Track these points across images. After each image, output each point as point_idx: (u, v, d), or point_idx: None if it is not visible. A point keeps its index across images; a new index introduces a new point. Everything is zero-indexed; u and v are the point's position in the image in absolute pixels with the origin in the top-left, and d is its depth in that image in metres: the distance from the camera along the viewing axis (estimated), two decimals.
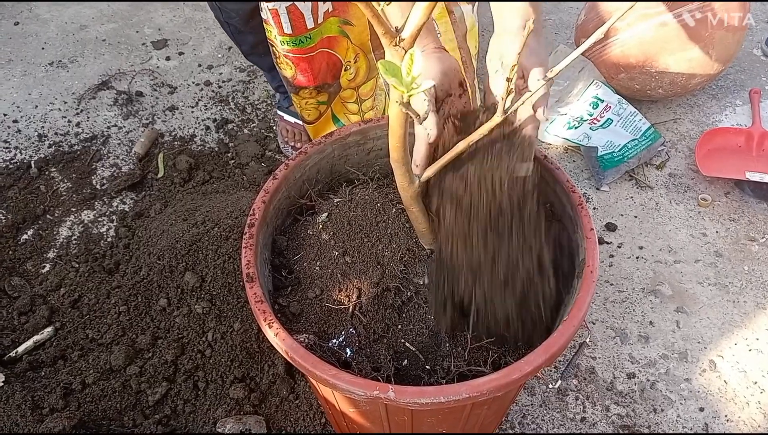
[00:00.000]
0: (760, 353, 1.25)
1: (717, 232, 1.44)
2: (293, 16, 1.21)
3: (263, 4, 1.20)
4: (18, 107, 1.76)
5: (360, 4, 0.56)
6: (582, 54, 1.61)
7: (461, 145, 0.76)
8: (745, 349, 1.26)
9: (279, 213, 0.97)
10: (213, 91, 1.81)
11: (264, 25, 1.27)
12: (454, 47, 1.41)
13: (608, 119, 1.58)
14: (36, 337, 1.23)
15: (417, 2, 0.60)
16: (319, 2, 1.19)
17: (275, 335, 0.77)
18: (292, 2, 1.16)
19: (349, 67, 1.33)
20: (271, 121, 1.72)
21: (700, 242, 1.43)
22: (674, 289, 1.35)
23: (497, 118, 0.74)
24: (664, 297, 1.34)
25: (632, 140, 1.55)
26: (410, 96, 0.48)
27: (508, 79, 0.70)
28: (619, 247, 1.43)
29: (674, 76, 1.52)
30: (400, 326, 0.86)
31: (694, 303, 1.33)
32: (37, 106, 1.76)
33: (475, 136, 0.77)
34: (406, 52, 0.60)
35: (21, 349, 1.21)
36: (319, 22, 1.23)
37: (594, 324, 1.29)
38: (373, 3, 0.57)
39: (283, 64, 1.32)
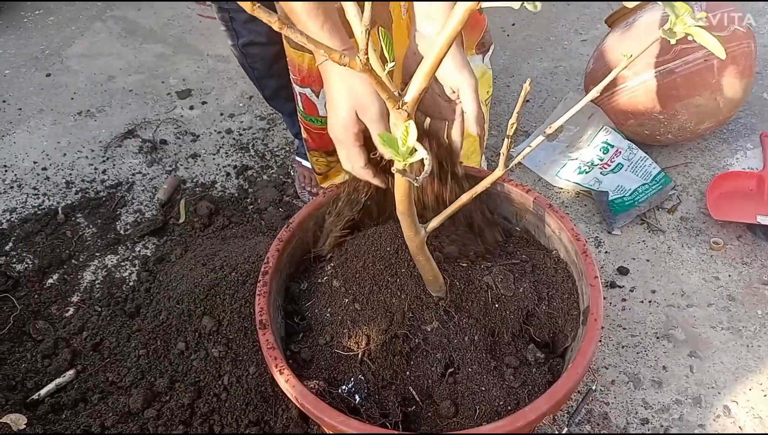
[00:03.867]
0: None
1: (730, 275, 1.44)
2: (305, 100, 1.26)
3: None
4: (47, 155, 1.84)
5: (366, 74, 0.60)
6: (592, 101, 1.65)
7: (464, 198, 0.80)
8: (760, 394, 1.25)
9: (292, 260, 1.00)
10: (234, 138, 1.88)
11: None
12: None
13: (618, 164, 1.60)
14: (58, 380, 1.27)
15: (419, 70, 0.64)
16: None
17: (286, 382, 0.79)
18: (305, 88, 1.22)
19: None
20: (289, 167, 1.77)
21: (712, 286, 1.43)
22: (687, 333, 1.35)
23: (499, 172, 0.77)
24: (677, 341, 1.34)
25: (642, 184, 1.57)
26: (406, 164, 0.52)
27: (508, 137, 0.73)
28: (632, 290, 1.43)
29: (683, 122, 1.54)
30: (408, 373, 0.88)
31: (707, 347, 1.32)
32: (65, 154, 1.84)
33: (478, 188, 0.80)
34: (408, 115, 0.64)
35: (43, 391, 1.25)
36: None
37: (607, 369, 1.30)
38: (376, 70, 0.62)
39: (300, 122, 1.38)
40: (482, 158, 1.60)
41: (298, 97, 1.27)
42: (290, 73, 1.25)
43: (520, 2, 0.49)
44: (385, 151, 0.49)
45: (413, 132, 0.50)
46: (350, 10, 0.60)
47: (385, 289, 0.90)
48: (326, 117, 1.27)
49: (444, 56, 0.62)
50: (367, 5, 0.52)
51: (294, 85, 1.26)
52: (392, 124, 0.66)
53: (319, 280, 0.96)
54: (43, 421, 1.20)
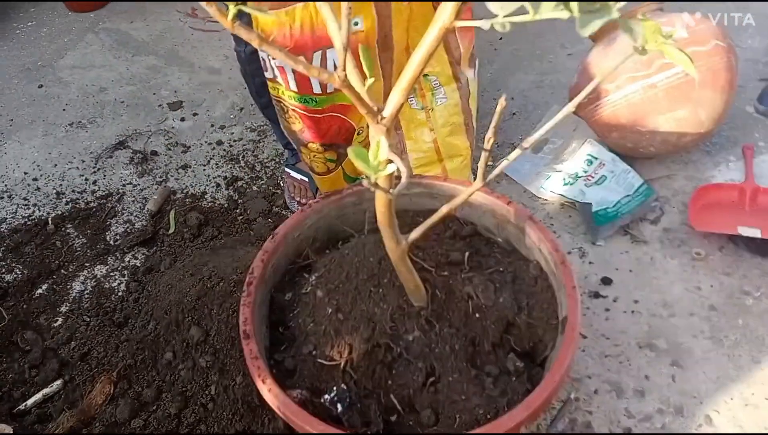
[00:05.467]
0: (756, 408, 1.26)
1: (711, 286, 1.47)
2: (298, 77, 1.26)
3: (270, 63, 1.28)
4: (38, 166, 1.85)
5: (344, 90, 0.62)
6: (576, 114, 1.67)
7: (444, 210, 0.82)
8: (741, 403, 1.26)
9: (277, 271, 1.02)
10: (224, 150, 1.90)
11: (269, 84, 1.35)
12: (458, 111, 1.48)
13: (602, 176, 1.63)
14: (45, 390, 1.27)
15: (397, 86, 0.66)
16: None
17: (268, 391, 0.81)
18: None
19: (362, 132, 1.39)
20: (279, 178, 1.79)
21: (694, 296, 1.45)
22: (669, 343, 1.37)
23: (478, 184, 0.79)
24: (659, 351, 1.35)
25: (625, 196, 1.59)
26: (377, 178, 0.54)
27: (485, 150, 0.75)
28: (615, 301, 1.45)
29: (665, 135, 1.57)
30: (390, 382, 0.89)
31: (689, 357, 1.34)
32: (56, 165, 1.85)
33: (457, 200, 0.82)
34: (387, 129, 0.66)
35: (30, 402, 1.25)
36: (328, 91, 1.28)
37: (590, 378, 1.31)
38: (355, 85, 0.64)
39: (292, 118, 1.38)
40: (469, 172, 1.62)
41: (290, 77, 1.26)
42: (270, 61, 1.25)
43: (490, 22, 0.51)
44: (356, 164, 0.50)
45: (384, 146, 0.52)
46: (331, 25, 0.62)
47: (367, 299, 0.92)
48: (322, 94, 1.27)
49: (421, 72, 0.64)
50: (344, 24, 0.54)
51: (276, 76, 1.25)
52: (371, 138, 0.68)
53: (303, 291, 0.97)
54: (29, 432, 1.20)
